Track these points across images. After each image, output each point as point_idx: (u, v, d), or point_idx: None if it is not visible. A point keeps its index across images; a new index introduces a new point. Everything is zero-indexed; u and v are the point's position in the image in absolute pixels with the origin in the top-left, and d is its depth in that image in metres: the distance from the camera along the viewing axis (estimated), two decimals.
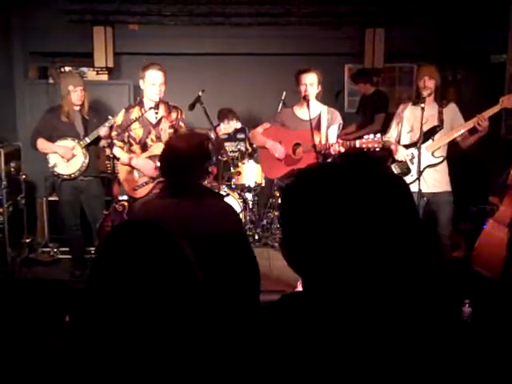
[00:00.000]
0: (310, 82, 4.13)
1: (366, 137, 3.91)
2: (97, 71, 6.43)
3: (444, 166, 4.28)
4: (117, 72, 6.43)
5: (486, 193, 4.71)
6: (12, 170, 5.07)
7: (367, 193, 0.78)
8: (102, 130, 4.42)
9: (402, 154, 4.25)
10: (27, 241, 5.33)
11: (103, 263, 1.14)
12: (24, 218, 5.29)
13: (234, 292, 2.08)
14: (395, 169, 4.34)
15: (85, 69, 6.78)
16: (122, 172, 4.22)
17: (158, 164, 2.44)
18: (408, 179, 4.19)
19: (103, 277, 1.12)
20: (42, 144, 4.66)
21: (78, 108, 4.66)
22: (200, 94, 4.31)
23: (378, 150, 3.93)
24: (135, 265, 1.11)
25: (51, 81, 5.98)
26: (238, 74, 6.48)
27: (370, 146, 3.89)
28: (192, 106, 4.36)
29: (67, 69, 6.82)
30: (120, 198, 5.18)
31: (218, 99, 5.78)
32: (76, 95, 4.57)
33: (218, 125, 4.14)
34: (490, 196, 4.52)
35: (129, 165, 4.11)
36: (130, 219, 1.30)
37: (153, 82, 3.94)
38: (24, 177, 5.26)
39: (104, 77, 6.29)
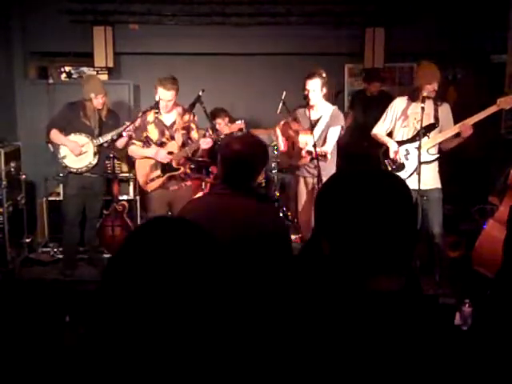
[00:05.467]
0: (313, 88, 4.25)
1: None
2: (97, 71, 6.42)
3: (435, 164, 4.30)
4: (117, 72, 6.42)
5: (485, 193, 4.72)
6: (12, 169, 5.07)
7: (380, 195, 1.08)
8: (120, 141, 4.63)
9: (392, 151, 4.26)
10: (27, 241, 5.34)
11: (125, 261, 1.09)
12: (24, 217, 5.30)
13: (267, 290, 2.14)
14: (389, 165, 4.34)
15: (85, 69, 6.77)
16: (141, 168, 4.50)
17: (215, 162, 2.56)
18: (402, 175, 4.20)
19: (123, 276, 1.08)
20: (55, 135, 4.80)
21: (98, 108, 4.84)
22: (200, 93, 4.32)
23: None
24: (159, 263, 1.06)
25: (51, 81, 5.99)
26: (237, 74, 6.47)
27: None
28: (192, 106, 4.37)
29: (67, 68, 6.82)
30: (120, 197, 5.19)
31: (218, 99, 5.77)
32: (97, 101, 4.76)
33: (215, 125, 4.25)
34: (489, 196, 4.53)
35: (153, 158, 4.40)
36: (162, 216, 1.28)
37: (161, 98, 4.29)
38: (24, 177, 5.26)
39: (104, 77, 6.28)
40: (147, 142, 4.46)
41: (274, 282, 2.14)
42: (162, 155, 4.37)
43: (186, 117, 4.46)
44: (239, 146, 2.36)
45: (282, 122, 4.69)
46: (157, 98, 4.32)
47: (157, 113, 4.38)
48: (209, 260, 1.10)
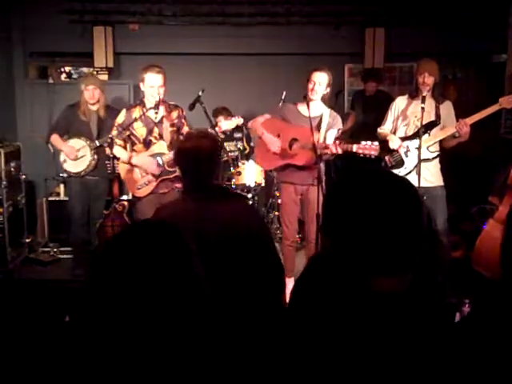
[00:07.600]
0: (320, 81, 4.09)
1: (363, 143, 3.87)
2: (97, 71, 6.42)
3: (436, 161, 4.29)
4: (117, 72, 6.42)
5: (485, 193, 4.71)
6: (12, 169, 5.07)
7: (389, 195, 1.10)
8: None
9: (395, 143, 4.25)
10: (27, 241, 5.34)
11: (105, 264, 1.12)
12: (24, 218, 5.30)
13: (258, 292, 2.09)
14: (388, 161, 4.34)
15: (85, 69, 6.78)
16: (122, 171, 4.26)
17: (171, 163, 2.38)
18: (402, 172, 4.20)
19: (104, 277, 1.11)
20: (55, 140, 4.81)
21: (95, 107, 4.78)
22: (200, 93, 4.31)
23: (373, 157, 3.90)
24: (139, 266, 1.10)
25: (51, 81, 5.99)
26: (237, 74, 6.47)
27: (366, 152, 3.85)
28: (192, 106, 4.35)
29: (67, 68, 6.82)
30: (120, 198, 5.18)
31: (218, 99, 5.78)
32: (88, 94, 4.71)
33: (216, 124, 4.17)
34: (489, 196, 4.52)
35: (129, 163, 4.14)
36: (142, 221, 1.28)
37: (151, 85, 3.99)
38: (24, 177, 5.26)
39: (104, 77, 6.29)
40: (132, 142, 4.17)
41: (261, 277, 2.12)
42: (151, 165, 4.05)
43: (175, 113, 4.19)
44: (195, 144, 2.27)
45: (264, 119, 4.39)
46: (144, 89, 4.04)
47: (142, 109, 4.08)
48: (184, 262, 1.14)
